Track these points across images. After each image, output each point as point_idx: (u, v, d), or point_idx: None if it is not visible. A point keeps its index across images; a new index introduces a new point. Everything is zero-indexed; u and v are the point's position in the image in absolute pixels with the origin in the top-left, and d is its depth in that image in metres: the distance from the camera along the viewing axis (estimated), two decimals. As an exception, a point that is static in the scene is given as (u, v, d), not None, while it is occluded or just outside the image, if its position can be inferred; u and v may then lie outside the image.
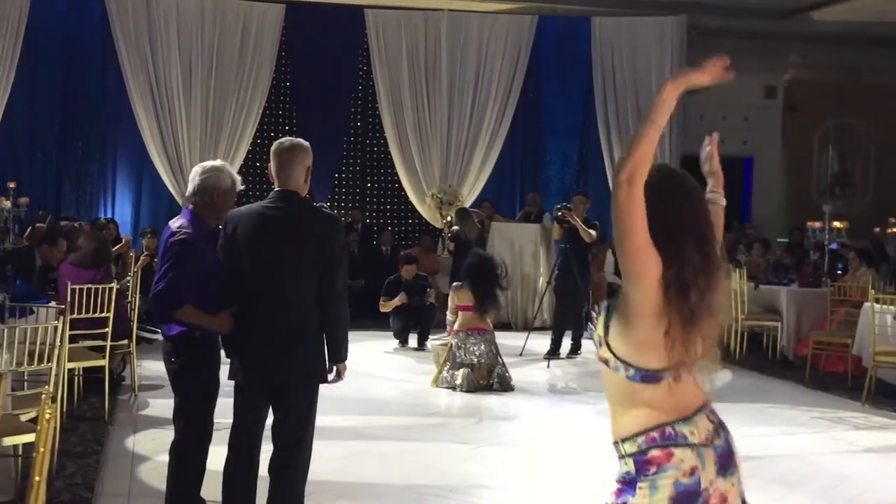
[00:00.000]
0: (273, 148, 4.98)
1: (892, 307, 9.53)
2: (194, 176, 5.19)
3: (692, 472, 2.70)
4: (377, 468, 6.89)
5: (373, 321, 12.72)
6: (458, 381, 9.64)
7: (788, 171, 18.52)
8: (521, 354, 11.68)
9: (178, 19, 14.99)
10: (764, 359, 12.26)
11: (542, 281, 13.82)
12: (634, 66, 16.31)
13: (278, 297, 4.76)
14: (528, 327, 13.03)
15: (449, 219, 15.39)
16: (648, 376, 2.74)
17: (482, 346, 9.86)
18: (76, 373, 8.44)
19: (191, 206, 5.19)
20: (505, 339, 11.63)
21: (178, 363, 5.10)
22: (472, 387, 9.59)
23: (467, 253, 12.44)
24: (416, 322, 12.39)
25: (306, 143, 5.00)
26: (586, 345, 12.17)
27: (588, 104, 16.70)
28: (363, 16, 15.81)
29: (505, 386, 9.74)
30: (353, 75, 16.56)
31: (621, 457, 2.79)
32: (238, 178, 5.35)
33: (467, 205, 15.57)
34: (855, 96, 18.31)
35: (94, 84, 15.40)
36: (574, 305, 11.93)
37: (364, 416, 8.53)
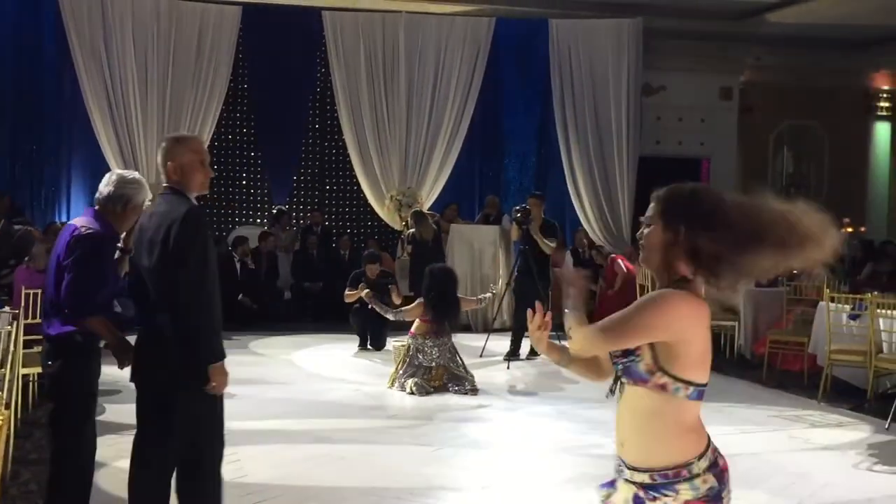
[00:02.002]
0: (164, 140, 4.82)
1: (846, 306, 9.65)
2: (113, 182, 5.05)
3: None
4: (337, 472, 6.85)
5: (333, 324, 12.68)
6: (408, 390, 9.65)
7: (744, 171, 18.66)
8: (480, 356, 11.68)
9: (133, 21, 14.85)
10: (721, 358, 12.33)
11: (501, 283, 13.84)
12: (591, 67, 16.38)
13: (140, 299, 4.58)
14: (487, 329, 13.05)
15: (406, 222, 15.39)
16: (702, 392, 2.94)
17: (439, 349, 9.86)
18: (30, 378, 8.34)
19: (97, 208, 5.05)
20: (465, 341, 11.66)
21: (57, 366, 4.91)
22: (423, 393, 9.59)
23: (425, 254, 12.47)
24: (374, 322, 12.29)
25: (195, 136, 4.84)
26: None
27: (546, 106, 16.74)
28: (321, 18, 15.75)
29: (468, 389, 9.74)
30: (311, 77, 16.50)
31: (692, 477, 2.90)
32: (136, 182, 5.16)
33: (426, 207, 15.57)
34: (809, 98, 18.51)
35: (49, 87, 15.21)
36: (533, 307, 11.98)
37: (323, 419, 8.48)
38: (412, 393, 9.59)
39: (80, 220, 5.07)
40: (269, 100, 16.10)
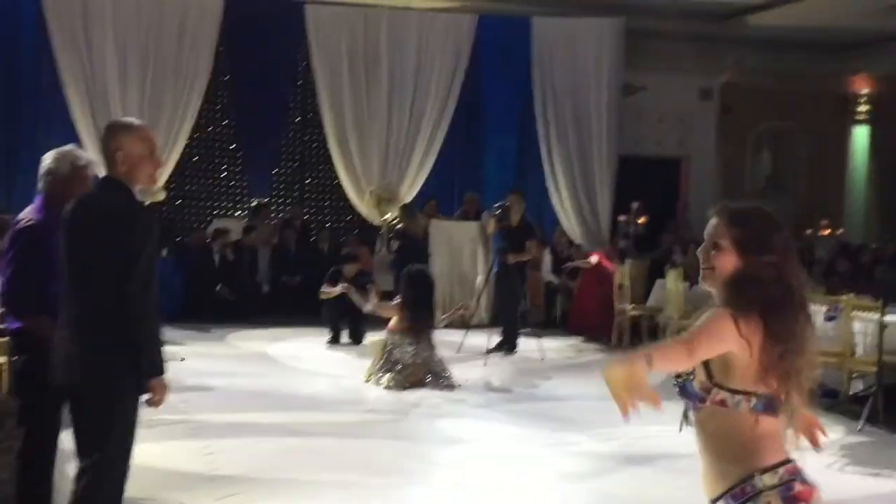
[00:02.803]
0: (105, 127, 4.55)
1: (822, 307, 9.70)
2: (58, 159, 4.93)
3: None
4: (312, 465, 6.85)
5: (311, 318, 12.66)
6: (384, 385, 9.65)
7: (723, 172, 18.72)
8: (458, 351, 11.69)
9: (114, 12, 14.72)
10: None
11: (479, 279, 13.85)
12: (573, 66, 16.39)
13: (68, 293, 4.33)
14: (465, 325, 13.05)
15: (388, 216, 15.38)
16: (769, 404, 2.72)
17: (417, 346, 9.86)
18: (1, 367, 8.27)
19: (44, 193, 4.92)
20: (442, 336, 11.65)
21: (21, 361, 4.80)
22: (399, 388, 9.58)
23: (412, 250, 12.43)
24: (350, 317, 12.27)
25: (140, 124, 4.54)
26: (522, 342, 12.26)
27: (527, 104, 16.73)
28: (303, 11, 15.71)
29: (445, 385, 9.75)
30: (293, 71, 16.44)
31: (756, 493, 2.67)
32: (85, 163, 4.96)
33: (407, 202, 15.55)
34: (788, 100, 18.59)
35: (27, 77, 15.06)
36: (512, 304, 12.09)
37: (299, 413, 8.48)
38: (388, 388, 9.59)
39: (26, 210, 4.92)
40: (250, 93, 16.03)
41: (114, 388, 4.22)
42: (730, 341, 2.68)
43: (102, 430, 4.23)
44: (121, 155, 4.31)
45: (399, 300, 10.14)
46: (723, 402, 2.71)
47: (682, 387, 2.79)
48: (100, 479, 4.28)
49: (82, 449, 4.29)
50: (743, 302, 2.71)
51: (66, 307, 4.29)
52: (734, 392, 2.70)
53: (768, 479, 2.67)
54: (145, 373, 4.24)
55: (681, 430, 2.90)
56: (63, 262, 4.31)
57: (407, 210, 13.83)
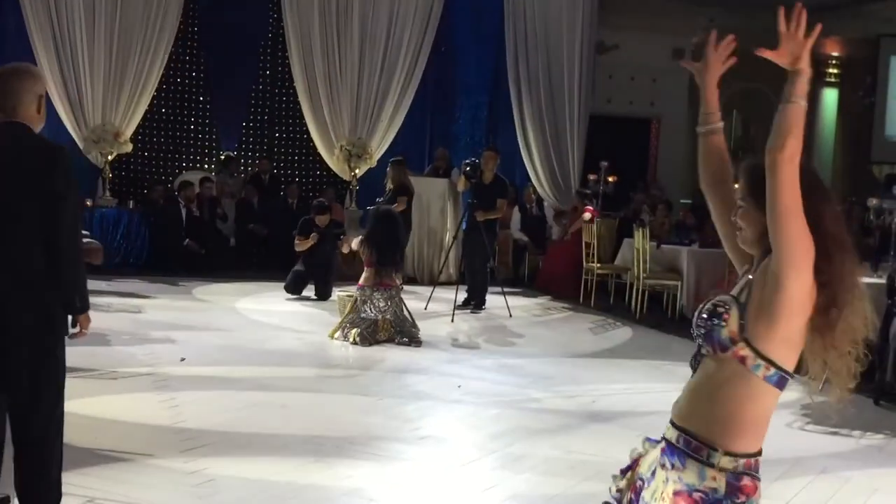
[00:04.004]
0: None
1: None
2: None
3: None
4: (277, 419, 6.86)
5: (279, 272, 12.63)
6: (351, 340, 9.65)
7: (694, 134, 18.67)
8: (425, 308, 11.71)
9: (82, -41, 14.50)
10: (663, 317, 12.50)
11: (448, 236, 13.86)
12: (546, 23, 16.30)
13: None
14: (433, 282, 13.08)
15: (357, 172, 15.37)
16: (783, 380, 2.66)
17: (386, 302, 9.86)
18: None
19: None
20: (410, 293, 11.68)
21: None
22: (366, 344, 9.58)
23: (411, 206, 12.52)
24: (316, 272, 12.25)
25: (35, 68, 4.48)
26: (490, 300, 12.30)
27: (499, 60, 16.67)
28: (275, -39, 15.53)
29: (413, 341, 9.77)
30: (263, 22, 16.29)
31: (707, 464, 2.65)
32: None
33: (376, 158, 15.50)
34: (760, 61, 18.39)
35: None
36: (480, 261, 12.12)
37: (265, 367, 8.47)
38: (355, 343, 9.59)
39: None
40: (220, 44, 15.88)
41: (47, 336, 4.27)
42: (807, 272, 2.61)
43: (52, 373, 4.29)
44: (42, 100, 4.33)
45: (362, 238, 10.06)
46: (743, 360, 2.65)
47: (710, 330, 2.70)
48: (60, 424, 4.35)
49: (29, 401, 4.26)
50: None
51: None
52: (758, 355, 2.64)
53: (726, 463, 2.65)
54: (70, 310, 4.31)
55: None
56: None
57: (403, 165, 13.44)
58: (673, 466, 2.71)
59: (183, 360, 8.36)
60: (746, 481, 2.65)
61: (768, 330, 2.63)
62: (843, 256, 2.66)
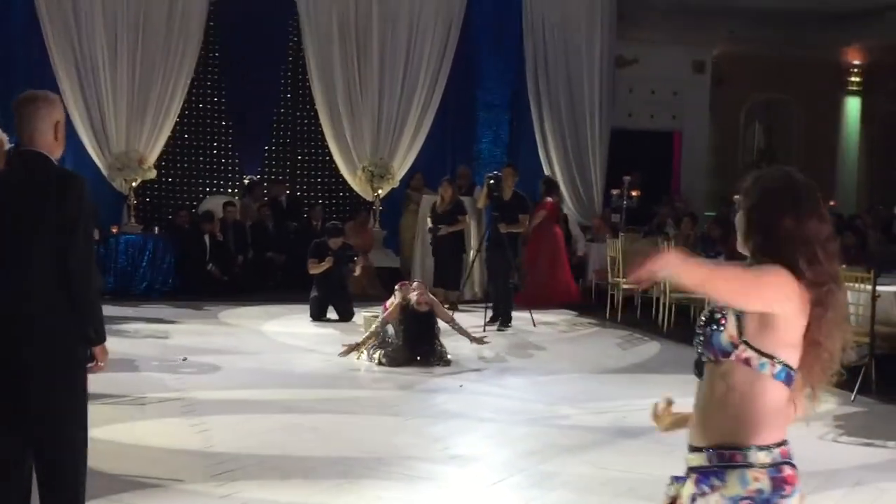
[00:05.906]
0: (14, 102, 4.36)
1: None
2: None
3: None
4: (307, 442, 6.85)
5: (299, 294, 12.63)
6: (377, 361, 9.62)
7: (715, 145, 18.72)
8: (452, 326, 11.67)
9: (103, -13, 14.62)
10: (691, 331, 12.30)
11: (471, 253, 13.85)
12: (565, 38, 16.32)
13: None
14: (458, 300, 13.06)
15: (380, 192, 15.41)
16: (790, 376, 2.71)
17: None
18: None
19: None
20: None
21: None
22: (393, 364, 9.55)
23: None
24: (334, 294, 12.25)
25: (53, 95, 4.44)
26: (516, 316, 12.27)
27: (519, 76, 16.67)
28: (293, -15, 15.59)
29: (440, 361, 9.74)
30: (284, 46, 16.35)
31: (746, 466, 2.67)
32: None
33: (398, 177, 15.53)
34: (781, 71, 18.56)
35: (17, 55, 14.94)
36: (504, 278, 12.11)
37: (294, 390, 8.47)
38: (381, 364, 9.57)
39: None
40: (241, 69, 15.95)
41: (67, 368, 4.23)
42: (794, 301, 2.70)
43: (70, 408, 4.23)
44: (59, 126, 4.31)
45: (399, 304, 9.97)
46: (748, 361, 2.68)
47: (710, 337, 2.75)
48: (83, 452, 4.29)
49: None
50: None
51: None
52: (762, 354, 2.67)
53: (763, 457, 2.67)
54: (94, 339, 4.27)
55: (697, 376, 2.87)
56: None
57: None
58: (713, 488, 2.70)
59: (185, 359, 8.40)
60: (788, 470, 2.70)
61: (768, 330, 2.68)
62: (829, 260, 2.76)
